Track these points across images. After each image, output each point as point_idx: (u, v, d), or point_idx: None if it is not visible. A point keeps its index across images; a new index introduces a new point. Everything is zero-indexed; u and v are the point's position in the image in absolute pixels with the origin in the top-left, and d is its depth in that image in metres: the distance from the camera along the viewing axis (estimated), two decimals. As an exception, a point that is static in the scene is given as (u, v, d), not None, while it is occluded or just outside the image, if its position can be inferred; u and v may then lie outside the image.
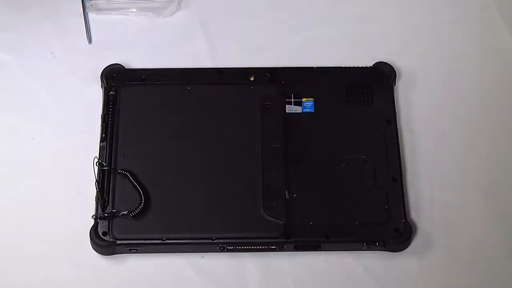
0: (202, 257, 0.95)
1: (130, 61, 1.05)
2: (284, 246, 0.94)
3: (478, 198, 0.98)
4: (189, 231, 0.94)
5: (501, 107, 1.04)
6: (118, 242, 0.93)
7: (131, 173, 0.96)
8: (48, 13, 1.09)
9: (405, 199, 0.96)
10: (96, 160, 0.96)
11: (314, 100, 1.01)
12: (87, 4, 1.08)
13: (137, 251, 0.94)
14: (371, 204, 0.96)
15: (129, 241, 0.94)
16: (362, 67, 1.04)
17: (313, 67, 1.04)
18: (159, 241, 0.93)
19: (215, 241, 0.94)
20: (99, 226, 0.94)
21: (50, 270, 0.94)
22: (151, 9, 1.09)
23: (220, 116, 1.01)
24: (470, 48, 1.08)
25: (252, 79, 1.03)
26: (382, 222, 0.95)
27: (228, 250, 0.94)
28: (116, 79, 1.03)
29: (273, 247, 0.94)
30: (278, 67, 1.04)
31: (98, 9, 1.09)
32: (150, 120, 1.00)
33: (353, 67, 1.04)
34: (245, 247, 0.94)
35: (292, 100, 1.01)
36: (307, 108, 1.01)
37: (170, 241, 0.93)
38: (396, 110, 1.02)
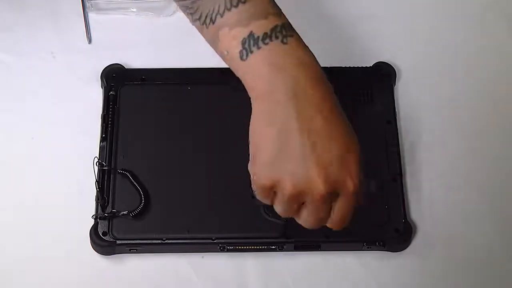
0: (202, 257, 0.95)
1: (130, 61, 1.05)
2: (284, 246, 0.94)
3: (478, 198, 0.98)
4: (189, 231, 0.94)
5: (501, 107, 1.04)
6: (118, 242, 0.93)
7: (131, 173, 0.96)
8: (48, 13, 1.09)
9: (405, 199, 0.96)
10: (96, 160, 0.96)
11: (314, 100, 1.01)
12: (87, 4, 1.08)
13: (137, 251, 0.94)
14: (371, 204, 0.95)
15: (129, 241, 0.94)
16: (362, 67, 1.04)
17: (313, 67, 1.04)
18: (159, 241, 0.93)
19: (215, 241, 0.94)
20: (99, 226, 0.94)
21: (50, 270, 0.94)
22: (151, 9, 1.09)
23: (220, 116, 1.01)
24: (470, 48, 1.08)
25: (252, 79, 1.02)
26: (382, 222, 0.95)
27: (228, 250, 0.94)
28: (116, 79, 1.03)
29: (273, 247, 0.94)
30: (278, 67, 1.03)
31: (98, 9, 1.09)
32: (150, 120, 1.00)
33: (353, 67, 1.04)
34: (245, 247, 0.94)
35: (292, 100, 1.01)
36: (307, 108, 1.01)
37: (170, 241, 0.93)
38: (396, 110, 1.02)
